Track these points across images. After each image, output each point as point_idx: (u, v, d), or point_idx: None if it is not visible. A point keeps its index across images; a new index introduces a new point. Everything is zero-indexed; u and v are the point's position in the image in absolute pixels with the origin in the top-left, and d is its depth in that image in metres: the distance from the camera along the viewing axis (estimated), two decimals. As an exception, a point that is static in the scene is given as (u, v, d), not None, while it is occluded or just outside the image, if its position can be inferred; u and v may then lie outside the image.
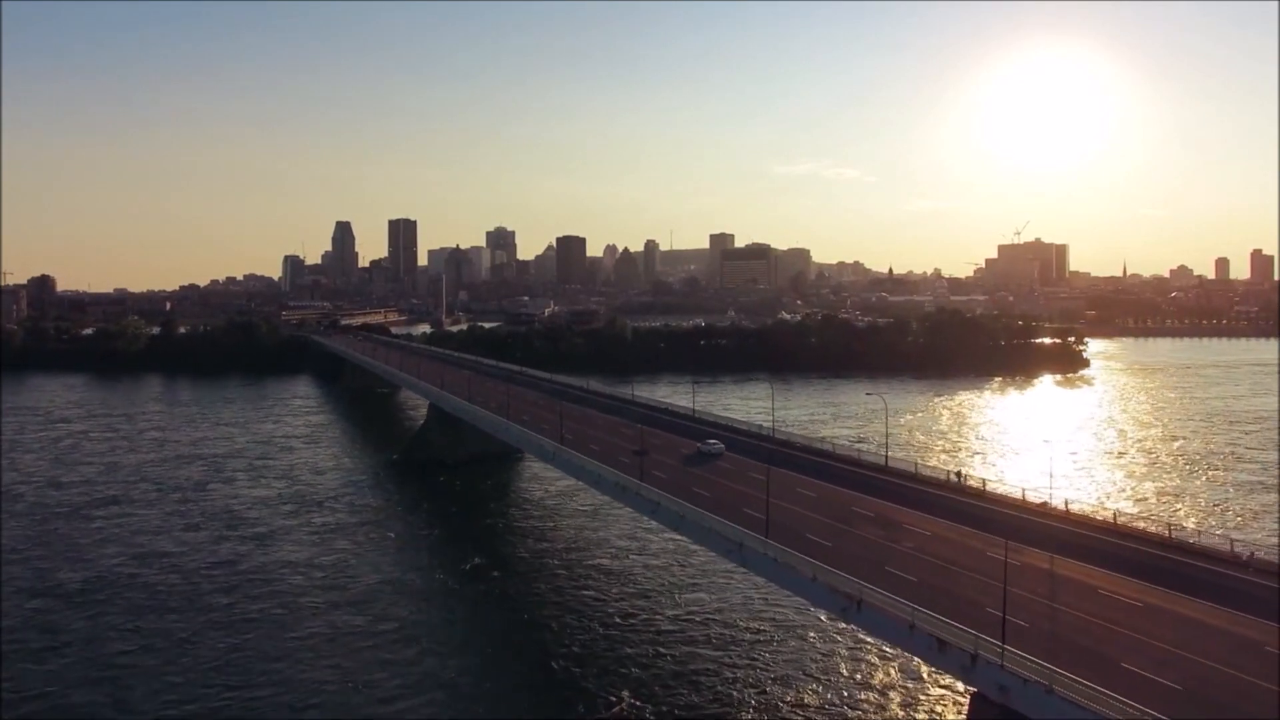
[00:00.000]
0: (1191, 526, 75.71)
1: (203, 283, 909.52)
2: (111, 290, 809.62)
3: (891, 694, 64.20)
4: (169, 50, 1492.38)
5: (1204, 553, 57.95)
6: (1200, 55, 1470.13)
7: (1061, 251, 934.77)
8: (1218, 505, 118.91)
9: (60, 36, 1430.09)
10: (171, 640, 76.30)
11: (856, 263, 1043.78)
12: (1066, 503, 70.73)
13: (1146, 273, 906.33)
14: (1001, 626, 43.24)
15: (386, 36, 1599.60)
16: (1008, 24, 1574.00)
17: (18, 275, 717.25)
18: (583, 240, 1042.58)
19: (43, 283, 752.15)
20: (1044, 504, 71.24)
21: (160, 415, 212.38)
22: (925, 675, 64.40)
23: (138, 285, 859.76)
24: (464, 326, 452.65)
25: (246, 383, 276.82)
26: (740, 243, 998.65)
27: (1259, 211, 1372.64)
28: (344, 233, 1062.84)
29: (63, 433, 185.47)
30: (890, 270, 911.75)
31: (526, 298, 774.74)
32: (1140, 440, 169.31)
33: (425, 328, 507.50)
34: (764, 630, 76.39)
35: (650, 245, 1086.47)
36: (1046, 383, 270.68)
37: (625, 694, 64.77)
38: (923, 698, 63.23)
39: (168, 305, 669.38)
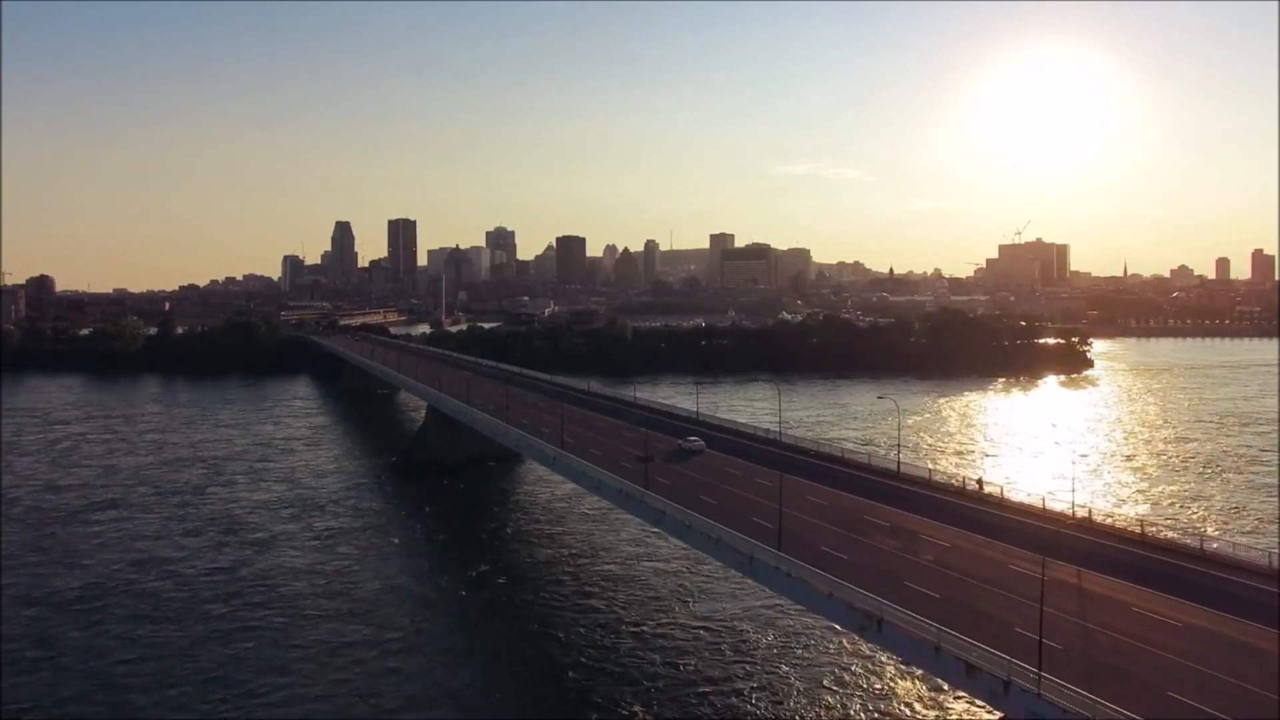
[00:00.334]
0: (1225, 538, 72.75)
1: (202, 283, 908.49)
2: (111, 290, 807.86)
3: (917, 708, 61.85)
4: (169, 50, 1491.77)
5: (1240, 566, 55.09)
6: (1200, 55, 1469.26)
7: (1062, 251, 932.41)
8: (1234, 509, 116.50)
9: (60, 36, 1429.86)
10: (170, 650, 74.41)
11: (856, 263, 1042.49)
12: (1090, 511, 68.04)
13: (1147, 273, 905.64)
14: (1038, 651, 40.48)
15: (386, 36, 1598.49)
16: (1008, 24, 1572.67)
17: (17, 275, 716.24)
18: (583, 240, 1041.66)
19: (41, 283, 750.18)
20: (1066, 513, 68.41)
21: (158, 417, 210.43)
22: (947, 687, 61.84)
23: (137, 285, 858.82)
24: (463, 327, 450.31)
25: (245, 383, 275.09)
26: (740, 243, 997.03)
27: (1259, 211, 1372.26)
28: (343, 233, 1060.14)
29: (60, 434, 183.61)
30: (891, 270, 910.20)
31: (526, 298, 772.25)
32: (1152, 442, 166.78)
33: (425, 328, 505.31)
34: (780, 640, 73.96)
35: (650, 245, 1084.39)
36: (1051, 383, 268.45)
37: (637, 708, 62.43)
38: (950, 710, 61.00)
39: (167, 305, 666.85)
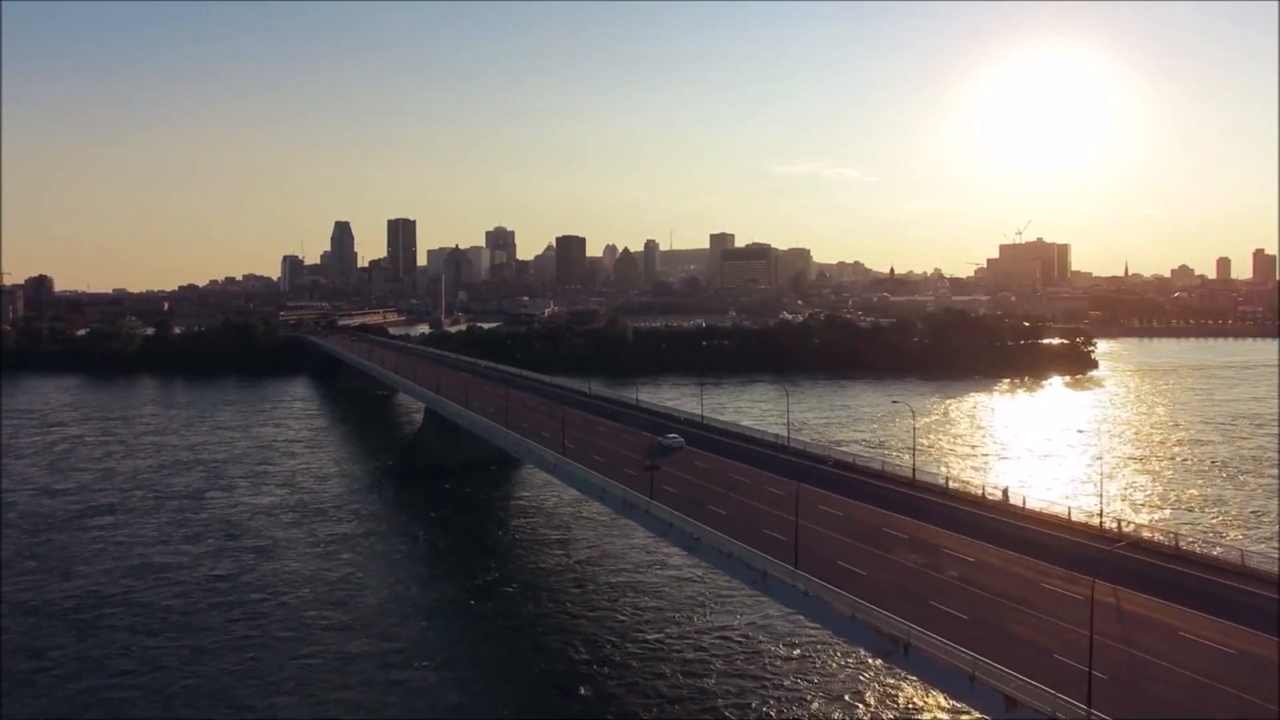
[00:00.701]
0: (1266, 552, 69.34)
1: (202, 283, 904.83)
2: (110, 291, 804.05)
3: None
4: (169, 50, 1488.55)
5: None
6: (1200, 55, 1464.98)
7: (1063, 251, 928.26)
8: (1256, 513, 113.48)
9: (60, 36, 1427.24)
10: (169, 663, 71.95)
11: (857, 263, 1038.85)
12: (1119, 523, 64.74)
13: (1147, 273, 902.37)
14: (1087, 685, 37.26)
15: (386, 36, 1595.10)
16: (1008, 24, 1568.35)
17: (17, 275, 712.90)
18: (582, 240, 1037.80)
19: (40, 283, 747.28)
20: (1092, 523, 65.19)
21: (156, 418, 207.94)
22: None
23: (137, 285, 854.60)
24: (463, 327, 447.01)
25: (242, 384, 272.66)
26: (740, 243, 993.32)
27: (1259, 211, 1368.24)
28: (343, 233, 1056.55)
29: (58, 436, 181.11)
30: (892, 270, 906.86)
31: (526, 298, 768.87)
32: (1166, 444, 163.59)
33: (424, 328, 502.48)
34: (799, 654, 70.90)
35: (650, 245, 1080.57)
36: (1056, 384, 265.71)
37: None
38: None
39: (166, 306, 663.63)
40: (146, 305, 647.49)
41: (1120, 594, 50.67)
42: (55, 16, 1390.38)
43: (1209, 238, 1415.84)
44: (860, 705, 63.02)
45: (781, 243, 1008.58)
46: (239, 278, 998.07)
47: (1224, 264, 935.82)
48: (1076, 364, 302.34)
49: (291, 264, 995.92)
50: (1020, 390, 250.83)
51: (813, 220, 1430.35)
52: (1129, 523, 66.43)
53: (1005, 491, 73.33)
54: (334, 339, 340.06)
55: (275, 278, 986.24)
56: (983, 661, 40.72)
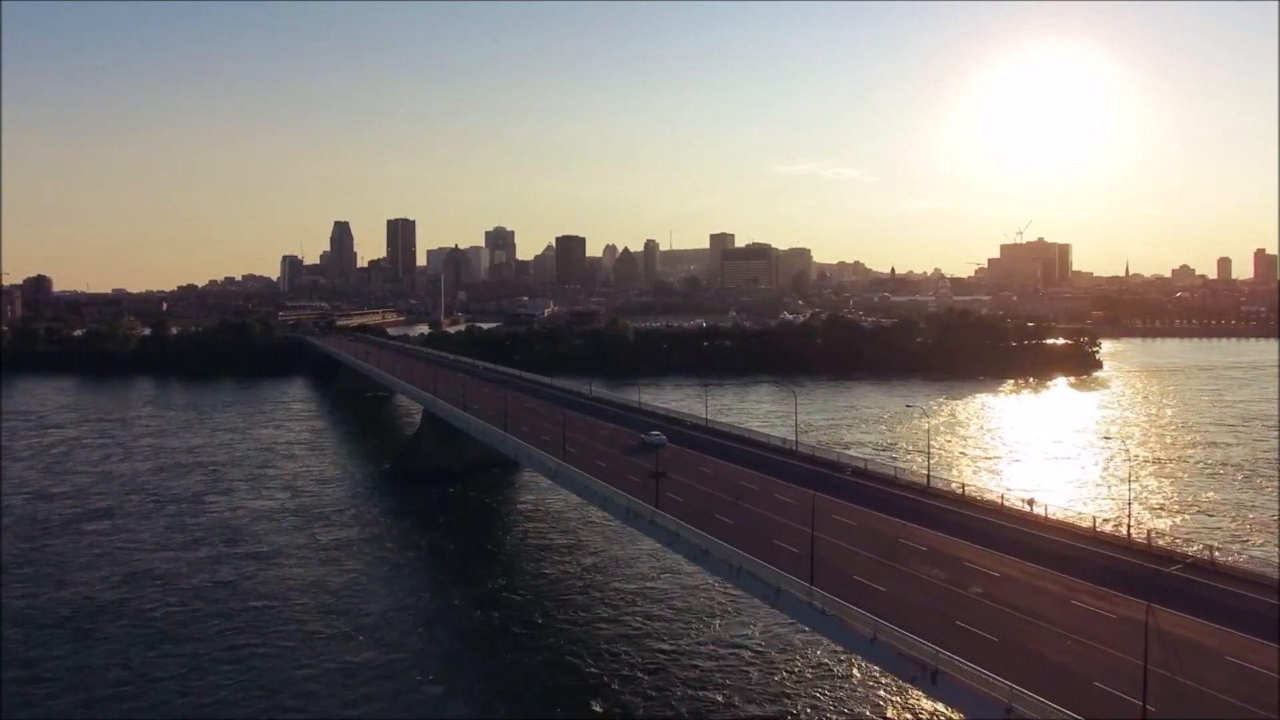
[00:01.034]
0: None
1: (201, 283, 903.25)
2: (110, 291, 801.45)
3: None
4: (169, 50, 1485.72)
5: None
6: (1200, 55, 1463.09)
7: (1064, 251, 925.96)
8: (1276, 517, 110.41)
9: (60, 36, 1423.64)
10: (168, 674, 69.41)
11: (857, 263, 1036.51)
12: (1149, 534, 61.77)
13: (1148, 273, 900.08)
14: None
15: (386, 36, 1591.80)
16: (1008, 24, 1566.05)
17: (15, 276, 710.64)
18: (582, 240, 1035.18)
19: (38, 283, 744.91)
20: (1119, 534, 62.23)
21: (154, 420, 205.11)
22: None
23: (136, 286, 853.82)
24: (462, 327, 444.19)
25: (239, 386, 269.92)
26: (740, 243, 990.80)
27: (1259, 211, 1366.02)
28: (342, 233, 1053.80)
29: (55, 438, 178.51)
30: (893, 270, 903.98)
31: (526, 298, 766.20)
32: (1180, 446, 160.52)
33: (424, 328, 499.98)
34: (821, 667, 67.97)
35: (650, 245, 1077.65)
36: (1061, 385, 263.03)
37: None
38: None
39: (164, 306, 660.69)
40: (145, 305, 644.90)
41: (1156, 612, 47.58)
42: (55, 16, 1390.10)
43: (1209, 238, 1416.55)
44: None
45: (781, 243, 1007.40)
46: (238, 278, 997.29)
47: (1225, 264, 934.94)
48: (1080, 364, 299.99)
49: (291, 264, 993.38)
50: (1025, 391, 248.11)
51: (813, 220, 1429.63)
52: (1157, 533, 63.34)
53: (1030, 501, 70.09)
54: (331, 339, 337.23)
55: (275, 278, 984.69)
56: (1020, 692, 37.72)
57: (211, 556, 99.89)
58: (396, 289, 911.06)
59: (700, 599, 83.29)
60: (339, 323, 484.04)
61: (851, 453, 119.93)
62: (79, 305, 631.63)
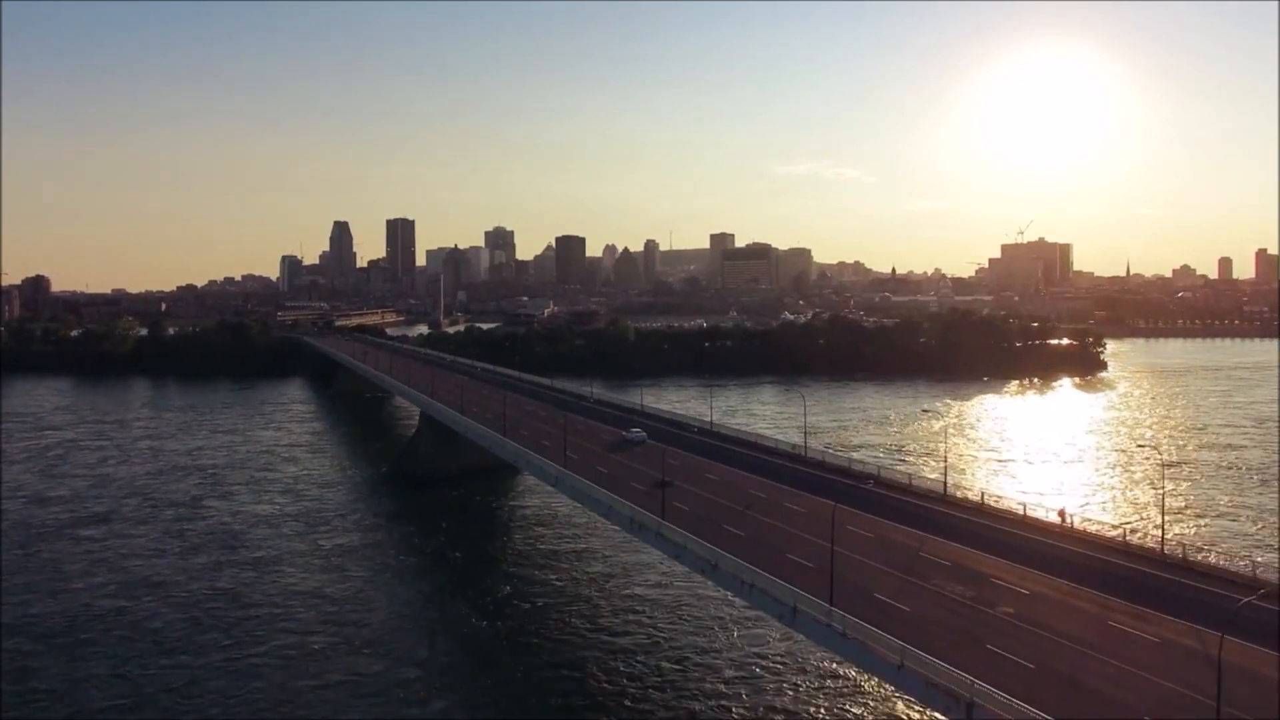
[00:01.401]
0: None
1: (200, 283, 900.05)
2: (109, 291, 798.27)
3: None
4: (169, 50, 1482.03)
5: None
6: (1200, 55, 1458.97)
7: (1065, 251, 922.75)
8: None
9: (60, 36, 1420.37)
10: (166, 687, 67.05)
11: (857, 263, 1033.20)
12: (1183, 548, 58.60)
13: (1148, 272, 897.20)
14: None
15: (386, 36, 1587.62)
16: (1008, 24, 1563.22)
17: (15, 276, 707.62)
18: (582, 240, 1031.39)
19: (37, 283, 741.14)
20: (1153, 547, 59.03)
21: (151, 422, 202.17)
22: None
23: (136, 286, 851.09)
24: (461, 328, 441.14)
25: (236, 386, 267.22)
26: (740, 243, 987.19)
27: (1259, 211, 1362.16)
28: (342, 233, 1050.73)
29: (51, 440, 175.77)
30: (893, 270, 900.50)
31: (525, 298, 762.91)
32: (1196, 448, 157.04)
33: (423, 328, 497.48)
34: (844, 678, 64.90)
35: (650, 245, 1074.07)
36: (1067, 386, 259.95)
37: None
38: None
39: (163, 306, 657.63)
40: (144, 306, 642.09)
41: (1204, 637, 44.50)
42: (55, 16, 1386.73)
43: (1209, 237, 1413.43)
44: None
45: (781, 243, 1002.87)
46: (238, 278, 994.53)
47: (1226, 264, 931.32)
48: (1085, 365, 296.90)
49: (290, 264, 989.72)
50: (1031, 392, 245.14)
51: (813, 220, 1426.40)
52: (1192, 547, 60.09)
53: (1062, 513, 66.71)
54: (329, 340, 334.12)
55: (274, 278, 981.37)
56: (1066, 729, 34.68)
57: (210, 563, 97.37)
58: (396, 289, 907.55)
59: (715, 609, 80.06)
60: (338, 323, 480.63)
61: (859, 455, 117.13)
62: (77, 305, 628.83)
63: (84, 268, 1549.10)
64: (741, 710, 62.19)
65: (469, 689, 67.60)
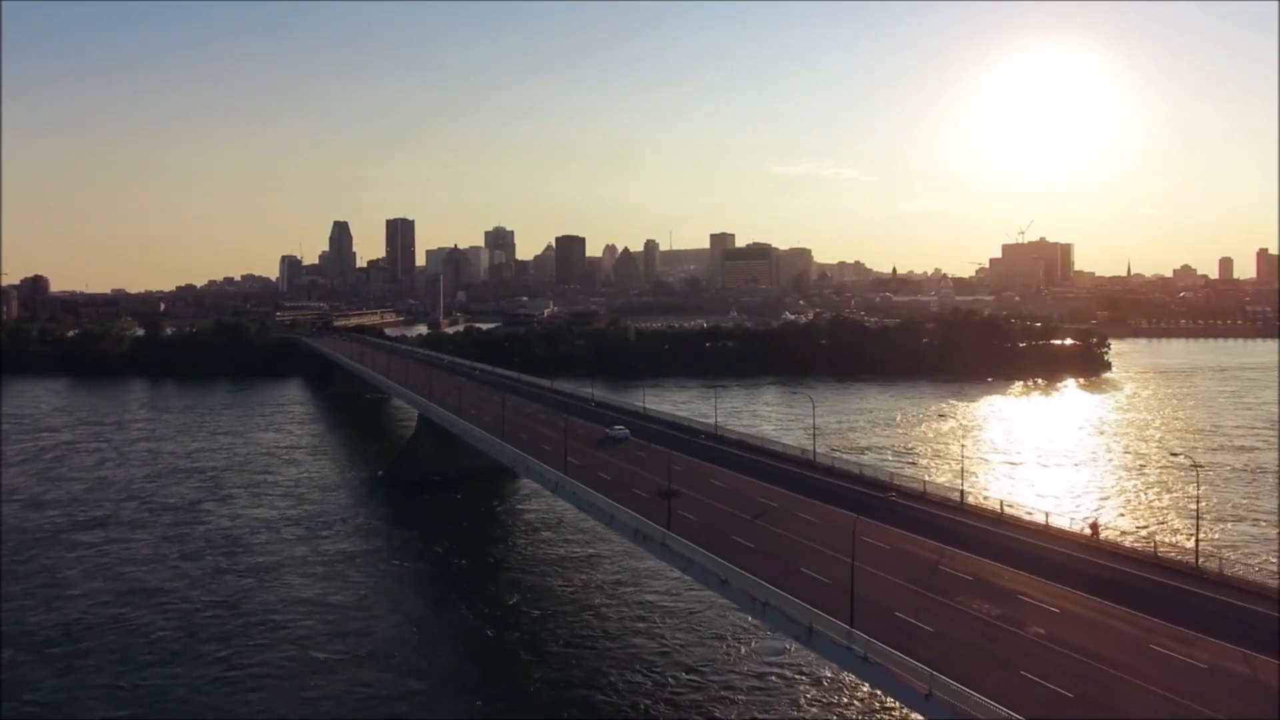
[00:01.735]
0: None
1: (200, 283, 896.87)
2: (109, 291, 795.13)
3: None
4: (169, 50, 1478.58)
5: None
6: (1200, 55, 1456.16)
7: (1066, 251, 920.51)
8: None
9: (60, 36, 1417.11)
10: (164, 701, 65.00)
11: (857, 263, 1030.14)
12: (1220, 562, 55.56)
13: (1149, 272, 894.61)
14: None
15: (386, 36, 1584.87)
16: (1008, 24, 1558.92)
17: (14, 276, 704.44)
18: (582, 240, 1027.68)
19: (35, 283, 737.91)
20: (1186, 560, 56.02)
21: (147, 424, 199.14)
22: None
23: (136, 286, 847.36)
24: (461, 328, 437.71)
25: (234, 388, 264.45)
26: (740, 243, 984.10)
27: (1260, 211, 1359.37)
28: (341, 233, 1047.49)
29: (48, 442, 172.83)
30: (894, 270, 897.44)
31: (525, 298, 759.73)
32: (1209, 451, 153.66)
33: (423, 329, 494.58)
34: (866, 693, 62.14)
35: (650, 245, 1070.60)
36: (1071, 387, 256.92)
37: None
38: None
39: (162, 306, 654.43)
40: (144, 306, 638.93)
41: (1254, 662, 41.54)
42: (55, 16, 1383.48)
43: (1209, 237, 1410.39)
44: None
45: (781, 243, 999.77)
46: (237, 278, 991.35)
47: (1226, 264, 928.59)
48: (1089, 366, 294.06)
49: (290, 264, 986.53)
50: (1036, 393, 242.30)
51: (812, 220, 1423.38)
52: (1229, 559, 57.08)
53: (1094, 526, 63.55)
54: (326, 340, 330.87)
55: (273, 278, 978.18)
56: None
57: (210, 570, 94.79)
58: (395, 289, 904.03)
59: (730, 616, 76.92)
60: (336, 323, 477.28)
61: (867, 459, 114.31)
62: (76, 306, 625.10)
63: (83, 268, 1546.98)
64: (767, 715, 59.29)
65: (475, 702, 65.05)
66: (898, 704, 58.83)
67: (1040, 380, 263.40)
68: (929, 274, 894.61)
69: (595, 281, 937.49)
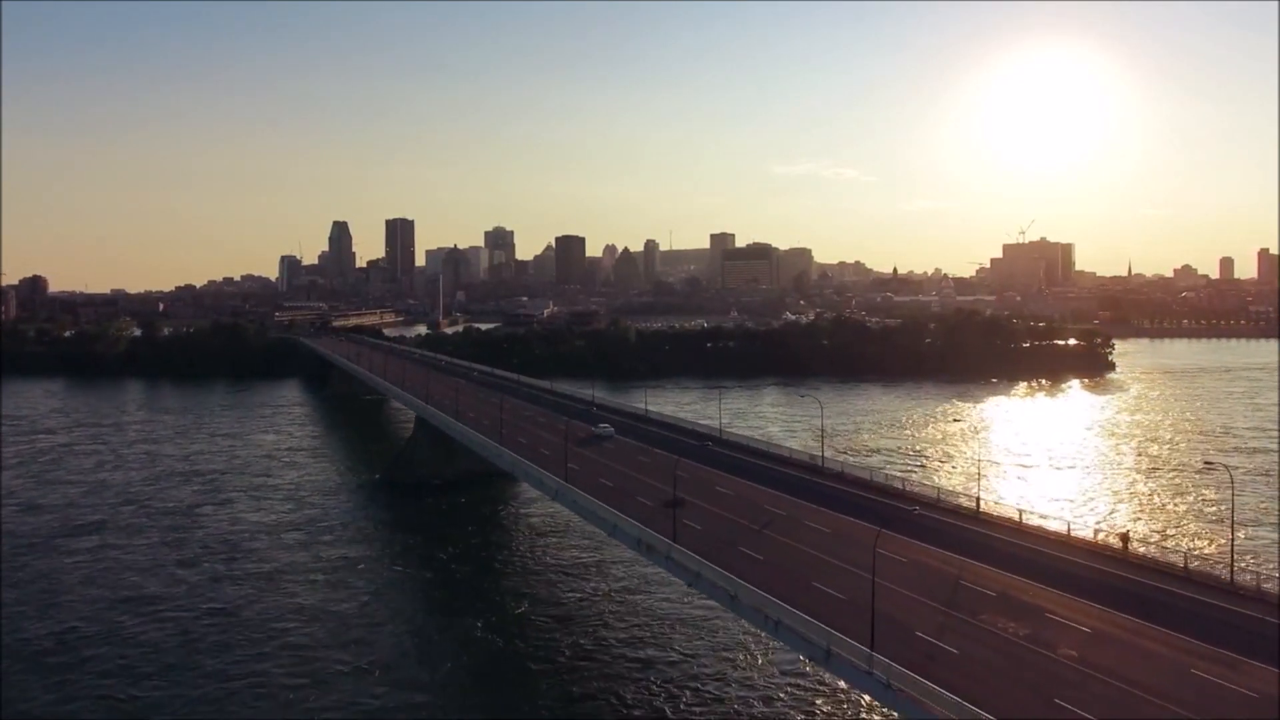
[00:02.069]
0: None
1: (199, 284, 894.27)
2: (108, 291, 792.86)
3: None
4: (169, 50, 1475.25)
5: None
6: (1200, 55, 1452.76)
7: (1067, 251, 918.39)
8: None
9: (60, 36, 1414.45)
10: (161, 711, 63.28)
11: (858, 263, 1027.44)
12: (1258, 578, 52.88)
13: (1149, 272, 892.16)
14: None
15: (386, 36, 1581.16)
16: (1008, 24, 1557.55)
17: (14, 276, 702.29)
18: (582, 240, 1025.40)
19: (34, 283, 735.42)
20: (1218, 574, 53.28)
21: (145, 425, 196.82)
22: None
23: (135, 286, 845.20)
24: (460, 328, 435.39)
25: (231, 388, 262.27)
26: (740, 243, 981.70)
27: (1260, 211, 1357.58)
28: (341, 233, 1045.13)
29: (45, 444, 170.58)
30: (895, 270, 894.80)
31: (525, 298, 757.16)
32: (1223, 453, 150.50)
33: (422, 329, 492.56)
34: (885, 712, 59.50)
35: (650, 245, 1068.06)
36: (1076, 387, 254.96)
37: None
38: None
39: (161, 307, 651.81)
40: (142, 306, 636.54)
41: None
42: (55, 16, 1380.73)
43: (1210, 237, 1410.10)
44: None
45: (782, 243, 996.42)
46: (237, 278, 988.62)
47: (1227, 264, 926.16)
48: (1093, 366, 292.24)
49: (289, 264, 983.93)
50: (1041, 394, 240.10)
51: (813, 220, 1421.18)
52: (1266, 574, 54.40)
53: (1124, 537, 60.87)
54: (324, 341, 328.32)
55: (273, 278, 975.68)
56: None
57: (209, 577, 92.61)
58: (395, 289, 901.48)
59: (744, 625, 74.10)
60: (335, 323, 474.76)
61: (875, 461, 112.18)
62: (74, 306, 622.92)
63: (83, 268, 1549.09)
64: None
65: (481, 714, 62.88)
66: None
67: (1044, 381, 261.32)
68: (929, 274, 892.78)
69: (595, 282, 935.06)
